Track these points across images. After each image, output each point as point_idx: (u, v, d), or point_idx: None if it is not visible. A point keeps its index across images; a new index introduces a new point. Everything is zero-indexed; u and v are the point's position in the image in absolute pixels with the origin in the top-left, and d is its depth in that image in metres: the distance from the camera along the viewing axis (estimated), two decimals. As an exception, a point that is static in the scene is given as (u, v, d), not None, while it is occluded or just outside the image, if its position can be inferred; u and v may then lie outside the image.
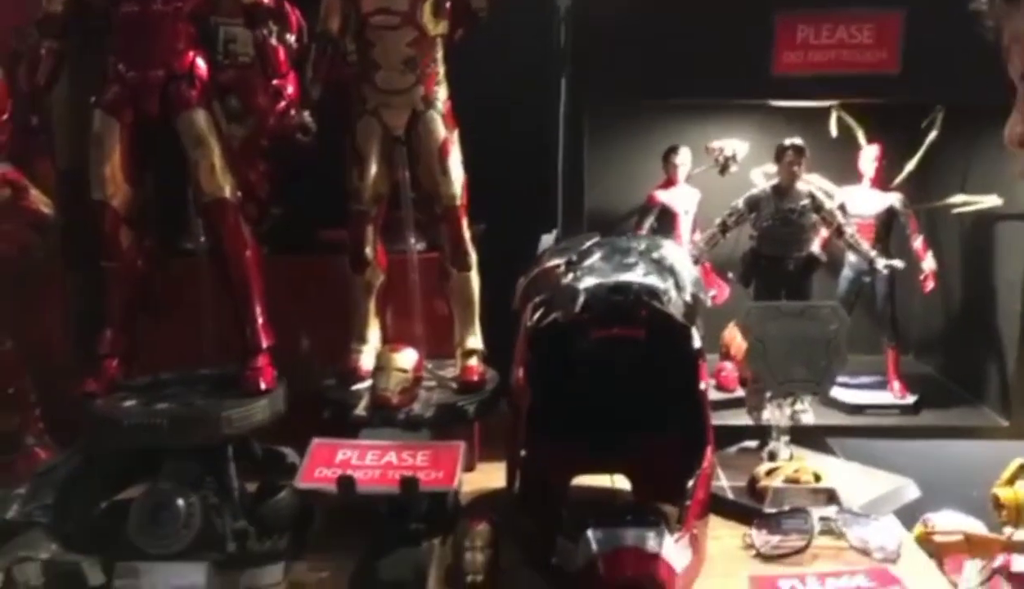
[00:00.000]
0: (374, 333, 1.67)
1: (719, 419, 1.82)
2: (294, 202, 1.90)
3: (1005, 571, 1.66)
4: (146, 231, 1.49)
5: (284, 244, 1.82)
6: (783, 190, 1.78)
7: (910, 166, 1.93)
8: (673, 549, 1.27)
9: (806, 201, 1.77)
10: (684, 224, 1.94)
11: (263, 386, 1.44)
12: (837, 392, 1.94)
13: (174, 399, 1.43)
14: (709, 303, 1.51)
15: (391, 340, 1.66)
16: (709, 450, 1.39)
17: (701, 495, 1.38)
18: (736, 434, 1.80)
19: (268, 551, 1.38)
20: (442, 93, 1.59)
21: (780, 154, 1.76)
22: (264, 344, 1.48)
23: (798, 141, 1.76)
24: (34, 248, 1.57)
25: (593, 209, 2.01)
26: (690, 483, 1.35)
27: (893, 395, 1.93)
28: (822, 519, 1.47)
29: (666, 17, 1.72)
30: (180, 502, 1.36)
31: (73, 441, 1.52)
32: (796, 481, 1.58)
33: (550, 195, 1.96)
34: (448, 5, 1.57)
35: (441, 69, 1.58)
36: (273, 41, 1.44)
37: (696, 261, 1.82)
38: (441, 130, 1.57)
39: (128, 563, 1.34)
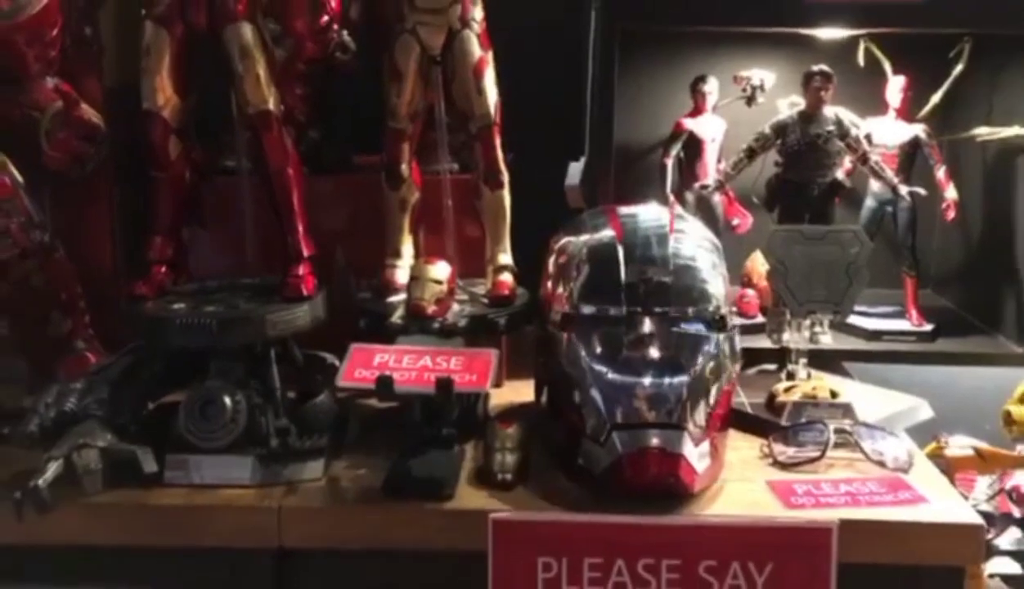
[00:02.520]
0: (408, 249, 1.72)
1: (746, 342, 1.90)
2: (331, 126, 1.95)
3: (1015, 492, 1.73)
4: (193, 143, 1.56)
5: (321, 167, 1.88)
6: (809, 116, 1.81)
7: (936, 98, 1.96)
8: (695, 452, 1.34)
9: (832, 127, 1.80)
10: (710, 152, 1.98)
11: (304, 292, 1.50)
12: (856, 319, 2.00)
13: (220, 303, 1.50)
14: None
15: (425, 256, 1.72)
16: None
17: (720, 410, 1.44)
18: (756, 357, 1.86)
19: (309, 448, 1.46)
20: (478, 13, 1.62)
21: (807, 80, 1.79)
22: (306, 253, 1.54)
23: (826, 68, 1.79)
24: (86, 158, 1.63)
25: (623, 136, 2.04)
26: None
27: (911, 323, 1.98)
28: (837, 431, 1.52)
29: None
30: (227, 399, 1.43)
31: (119, 347, 1.60)
32: (813, 397, 1.64)
33: (580, 122, 2.00)
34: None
35: (479, -15, 1.62)
36: (316, -46, 1.49)
37: (720, 186, 1.87)
38: (477, 49, 1.60)
39: (177, 456, 1.42)
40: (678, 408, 1.34)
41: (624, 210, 1.55)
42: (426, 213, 1.76)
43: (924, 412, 1.71)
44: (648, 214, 1.54)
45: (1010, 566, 1.72)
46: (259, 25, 1.48)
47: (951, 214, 1.94)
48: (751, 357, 1.84)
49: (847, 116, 1.93)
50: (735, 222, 1.99)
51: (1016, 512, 1.72)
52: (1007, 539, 1.74)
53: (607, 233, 1.48)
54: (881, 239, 2.01)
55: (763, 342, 1.81)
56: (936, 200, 1.97)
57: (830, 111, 1.81)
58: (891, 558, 1.35)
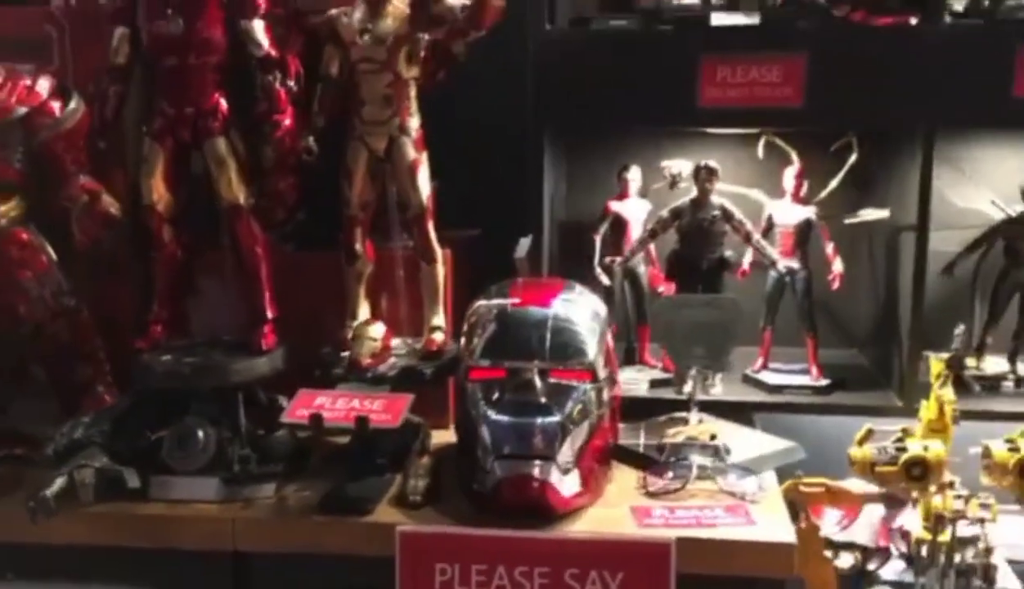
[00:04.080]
0: (364, 312, 2.08)
1: (660, 393, 2.22)
2: (316, 209, 2.34)
3: (901, 531, 1.98)
4: (184, 229, 1.97)
5: (306, 242, 2.27)
6: (699, 202, 2.13)
7: (833, 184, 2.26)
8: (561, 480, 1.66)
9: (717, 212, 2.12)
10: (634, 231, 2.30)
11: (265, 347, 1.89)
12: (764, 375, 2.29)
13: (199, 355, 1.89)
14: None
15: (381, 316, 2.09)
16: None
17: (597, 443, 1.76)
18: (672, 406, 2.15)
19: (264, 473, 1.82)
20: (414, 122, 1.99)
21: (696, 173, 2.11)
22: (268, 315, 1.93)
23: (712, 163, 2.11)
24: (104, 241, 2.04)
25: (570, 214, 2.44)
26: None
27: (811, 378, 2.25)
28: (700, 467, 1.82)
29: (613, 62, 2.10)
30: (200, 433, 1.81)
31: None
32: (694, 439, 1.94)
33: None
34: (425, 54, 1.99)
35: (414, 104, 1.98)
36: (277, 85, 1.89)
37: (625, 261, 2.20)
38: (412, 153, 1.97)
39: (160, 476, 1.80)
40: (547, 444, 1.66)
41: (521, 282, 1.90)
42: (382, 280, 2.13)
43: (797, 454, 1.99)
44: (541, 286, 1.89)
45: (890, 596, 1.97)
46: (231, 138, 1.89)
47: (836, 285, 2.22)
48: (670, 405, 2.15)
49: (759, 199, 2.25)
50: (660, 289, 2.30)
51: (902, 548, 1.97)
52: (890, 570, 1.99)
53: (503, 301, 1.83)
54: (790, 304, 2.30)
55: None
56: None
57: (716, 199, 2.13)
58: (721, 570, 1.64)
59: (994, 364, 2.28)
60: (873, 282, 2.38)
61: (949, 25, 2.00)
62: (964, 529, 1.85)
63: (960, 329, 1.89)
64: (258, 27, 1.90)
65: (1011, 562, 1.89)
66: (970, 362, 2.26)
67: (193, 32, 1.86)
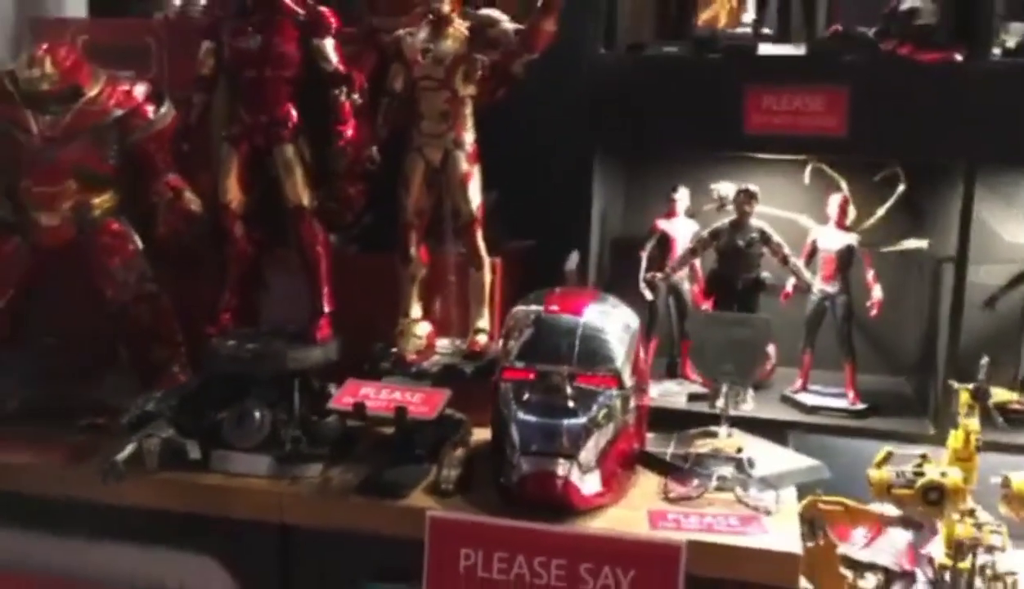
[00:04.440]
0: (416, 311, 2.22)
1: (698, 407, 2.30)
2: (380, 213, 2.50)
3: (928, 558, 2.03)
4: (255, 226, 2.15)
5: (370, 245, 2.43)
6: (738, 224, 2.21)
7: (880, 212, 2.31)
8: (582, 479, 1.77)
9: (755, 234, 2.19)
10: (680, 249, 2.39)
11: (319, 338, 2.05)
12: (802, 396, 2.35)
13: (260, 342, 2.06)
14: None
15: (429, 317, 2.23)
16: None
17: (621, 447, 1.87)
18: (709, 420, 2.23)
19: (312, 454, 1.97)
20: (469, 137, 2.13)
21: (736, 196, 2.19)
22: (326, 308, 2.09)
23: (751, 187, 2.19)
24: (185, 234, 2.24)
25: (626, 230, 2.56)
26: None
27: (847, 402, 2.30)
28: (721, 477, 1.91)
29: (663, 87, 2.20)
30: (257, 414, 1.97)
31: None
32: (720, 451, 2.02)
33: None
34: (485, 73, 2.13)
35: (469, 119, 2.13)
36: (343, 98, 2.07)
37: (666, 277, 2.29)
38: (465, 165, 2.12)
39: (220, 451, 1.97)
40: (571, 443, 1.77)
41: (558, 291, 2.01)
42: (435, 282, 2.27)
43: (822, 473, 2.05)
44: (576, 295, 2.00)
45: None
46: (299, 145, 2.08)
47: (873, 311, 2.26)
48: (703, 419, 2.23)
49: (806, 224, 2.32)
50: (704, 307, 2.38)
51: (929, 574, 2.02)
52: (914, 594, 2.04)
53: (538, 308, 1.95)
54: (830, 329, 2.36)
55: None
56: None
57: (755, 221, 2.21)
58: (729, 574, 1.72)
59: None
60: (918, 311, 2.42)
61: (994, 62, 2.04)
62: (983, 556, 1.89)
63: (985, 360, 1.92)
64: (329, 45, 2.08)
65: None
66: (1011, 395, 2.27)
67: (270, 48, 2.05)
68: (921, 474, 1.87)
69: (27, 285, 2.21)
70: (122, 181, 2.23)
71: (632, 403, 1.89)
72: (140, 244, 2.22)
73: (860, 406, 2.29)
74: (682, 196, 2.40)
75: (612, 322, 1.94)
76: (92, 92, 2.16)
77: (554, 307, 1.97)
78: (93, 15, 2.77)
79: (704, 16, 2.38)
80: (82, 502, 1.97)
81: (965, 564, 1.91)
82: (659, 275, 2.30)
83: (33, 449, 2.04)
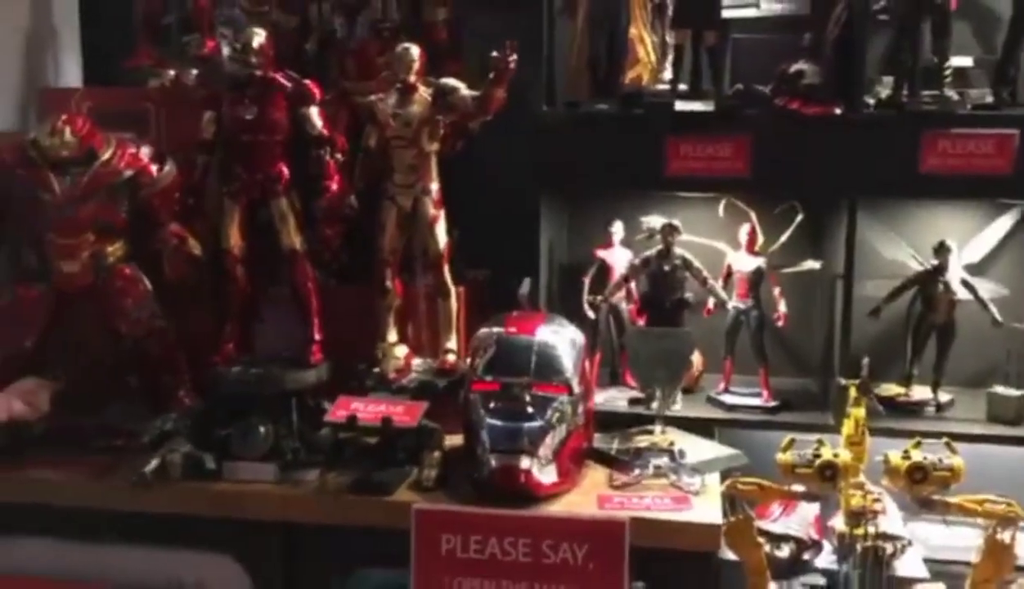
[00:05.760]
0: (392, 336, 2.57)
1: (637, 409, 2.68)
2: (355, 253, 2.84)
3: (831, 528, 2.41)
4: (253, 268, 2.49)
5: (347, 279, 2.77)
6: (664, 253, 2.60)
7: (783, 238, 2.71)
8: (541, 471, 2.13)
9: (679, 261, 2.59)
10: (616, 274, 2.77)
11: (313, 362, 2.40)
12: (724, 397, 2.74)
13: (261, 367, 2.40)
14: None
15: (403, 341, 2.59)
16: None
17: (573, 444, 2.24)
18: (647, 420, 2.61)
19: (310, 461, 2.31)
20: (434, 185, 2.50)
21: (662, 229, 2.58)
22: (317, 337, 2.45)
23: (675, 222, 2.58)
24: (188, 277, 2.56)
25: (571, 258, 2.94)
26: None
27: (762, 400, 2.70)
28: (657, 466, 2.29)
29: (597, 137, 2.59)
30: (261, 429, 2.30)
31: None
32: (655, 445, 2.40)
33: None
34: (446, 130, 2.50)
35: (434, 171, 2.49)
36: (327, 157, 2.43)
37: (604, 300, 2.67)
38: (432, 210, 2.49)
39: (230, 462, 2.29)
40: (531, 442, 2.14)
41: (515, 314, 2.39)
42: (408, 311, 2.62)
43: (740, 460, 2.44)
44: (529, 318, 2.38)
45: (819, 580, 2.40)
46: (291, 198, 2.44)
47: (781, 322, 2.67)
48: (641, 420, 2.61)
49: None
50: (638, 323, 2.77)
51: (834, 542, 2.40)
52: (824, 560, 2.41)
53: (499, 330, 2.32)
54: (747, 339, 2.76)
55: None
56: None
57: (678, 250, 2.60)
58: (665, 544, 2.10)
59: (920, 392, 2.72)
60: (819, 321, 2.84)
61: (867, 115, 2.47)
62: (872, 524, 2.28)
63: (866, 360, 2.32)
64: (314, 112, 2.45)
65: (928, 561, 2.28)
66: (899, 389, 2.70)
67: (264, 116, 2.41)
68: (818, 456, 2.26)
69: (50, 326, 2.50)
70: (131, 231, 2.54)
71: (581, 407, 2.27)
72: (149, 285, 2.54)
73: (773, 403, 2.69)
74: (617, 229, 2.79)
75: (562, 339, 2.32)
76: (105, 155, 2.48)
77: (512, 328, 2.34)
78: (87, 83, 3.09)
79: (630, 74, 2.78)
80: (107, 512, 2.29)
81: (860, 530, 2.30)
82: (599, 298, 2.68)
83: (62, 468, 2.34)
